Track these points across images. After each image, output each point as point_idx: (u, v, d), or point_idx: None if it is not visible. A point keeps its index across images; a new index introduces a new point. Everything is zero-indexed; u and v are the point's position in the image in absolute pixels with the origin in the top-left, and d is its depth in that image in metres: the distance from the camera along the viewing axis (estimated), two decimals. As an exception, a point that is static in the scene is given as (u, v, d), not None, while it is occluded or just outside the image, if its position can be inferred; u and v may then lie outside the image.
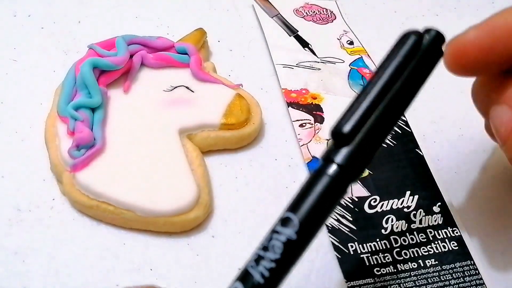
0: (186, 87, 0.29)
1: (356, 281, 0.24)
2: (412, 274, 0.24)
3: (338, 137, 0.17)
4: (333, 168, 0.16)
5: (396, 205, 0.27)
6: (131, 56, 0.29)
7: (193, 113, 0.28)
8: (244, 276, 0.16)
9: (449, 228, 0.26)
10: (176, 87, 0.29)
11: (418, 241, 0.26)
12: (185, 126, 0.27)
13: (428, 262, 0.25)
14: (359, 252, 0.25)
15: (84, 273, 0.24)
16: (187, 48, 0.30)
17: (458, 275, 0.25)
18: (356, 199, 0.27)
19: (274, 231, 0.16)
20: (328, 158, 0.16)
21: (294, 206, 0.16)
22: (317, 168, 0.17)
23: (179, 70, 0.30)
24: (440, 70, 0.34)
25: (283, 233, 0.16)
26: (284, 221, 0.16)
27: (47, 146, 0.27)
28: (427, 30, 0.19)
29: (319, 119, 0.30)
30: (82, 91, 0.27)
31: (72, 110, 0.26)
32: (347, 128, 0.16)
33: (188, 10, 0.36)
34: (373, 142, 0.17)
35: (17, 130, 0.28)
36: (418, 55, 0.18)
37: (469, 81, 0.34)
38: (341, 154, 0.16)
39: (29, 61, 0.32)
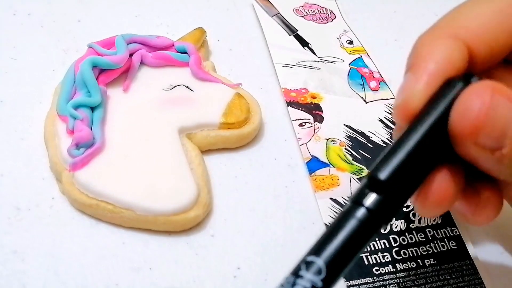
0: (186, 86, 0.29)
1: (355, 281, 0.24)
2: (411, 274, 0.25)
3: (374, 182, 0.16)
4: (362, 212, 0.16)
5: (395, 205, 0.27)
6: (131, 55, 0.29)
7: (193, 112, 0.28)
8: None
9: (448, 227, 0.26)
10: (175, 86, 0.29)
11: (417, 240, 0.26)
12: (184, 125, 0.27)
13: (427, 262, 0.25)
14: (358, 251, 0.25)
15: (83, 272, 0.24)
16: (187, 47, 0.30)
17: (456, 274, 0.25)
18: (355, 199, 0.27)
19: (297, 275, 0.15)
20: (357, 201, 0.16)
21: (318, 249, 0.15)
22: (345, 210, 0.16)
23: (178, 69, 0.30)
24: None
25: (307, 279, 0.15)
26: (308, 265, 0.15)
27: (47, 145, 0.27)
28: (468, 76, 0.17)
29: (319, 119, 0.30)
30: (81, 90, 0.27)
31: (71, 109, 0.26)
32: (384, 175, 0.16)
33: (188, 9, 0.36)
34: (407, 191, 0.16)
35: (16, 129, 0.28)
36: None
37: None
38: (372, 198, 0.16)
39: (28, 59, 0.32)
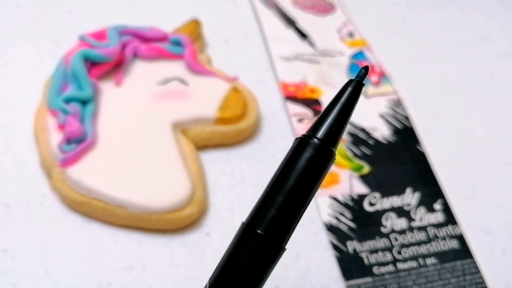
0: (180, 79, 0.28)
1: (355, 280, 0.24)
2: (411, 273, 0.24)
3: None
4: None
5: (397, 203, 0.26)
6: (124, 48, 0.28)
7: (187, 106, 0.27)
8: None
9: (450, 225, 0.26)
10: (169, 79, 0.28)
11: (419, 239, 0.25)
12: (178, 120, 0.27)
13: (428, 261, 0.24)
14: (358, 250, 0.24)
15: (75, 271, 0.23)
16: (182, 39, 0.29)
17: (458, 273, 0.24)
18: (356, 197, 0.26)
19: None
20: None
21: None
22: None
23: (173, 62, 0.29)
24: (442, 65, 0.33)
25: None
26: None
27: (37, 140, 0.26)
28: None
29: (318, 114, 0.29)
30: (72, 84, 0.26)
31: (62, 103, 0.25)
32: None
33: (183, 0, 0.35)
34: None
35: (5, 123, 0.28)
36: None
37: (469, 77, 0.33)
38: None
39: (18, 52, 0.31)
